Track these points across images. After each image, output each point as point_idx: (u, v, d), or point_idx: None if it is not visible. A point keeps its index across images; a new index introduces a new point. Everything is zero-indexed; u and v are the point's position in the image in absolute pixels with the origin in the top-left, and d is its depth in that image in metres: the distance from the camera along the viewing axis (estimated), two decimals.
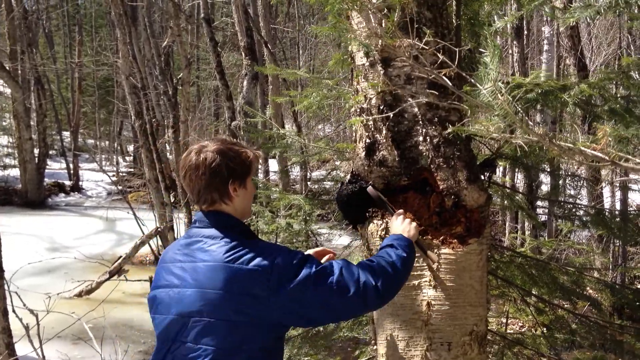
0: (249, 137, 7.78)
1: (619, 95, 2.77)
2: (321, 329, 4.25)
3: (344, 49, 3.05)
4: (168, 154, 18.65)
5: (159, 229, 12.17)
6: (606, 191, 9.71)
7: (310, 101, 3.63)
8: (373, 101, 2.52)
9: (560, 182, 3.78)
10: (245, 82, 10.23)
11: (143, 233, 12.14)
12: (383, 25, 2.31)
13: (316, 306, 1.93)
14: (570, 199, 3.80)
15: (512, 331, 6.44)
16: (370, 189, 2.51)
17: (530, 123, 1.63)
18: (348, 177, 2.65)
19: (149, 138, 12.60)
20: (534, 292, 3.91)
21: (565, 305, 4.08)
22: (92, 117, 29.31)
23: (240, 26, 10.31)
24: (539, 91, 2.57)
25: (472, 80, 1.75)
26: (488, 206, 2.58)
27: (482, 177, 2.79)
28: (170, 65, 17.13)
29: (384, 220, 2.56)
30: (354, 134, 2.71)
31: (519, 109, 1.64)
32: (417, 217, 2.48)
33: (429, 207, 2.49)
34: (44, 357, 5.15)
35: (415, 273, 2.44)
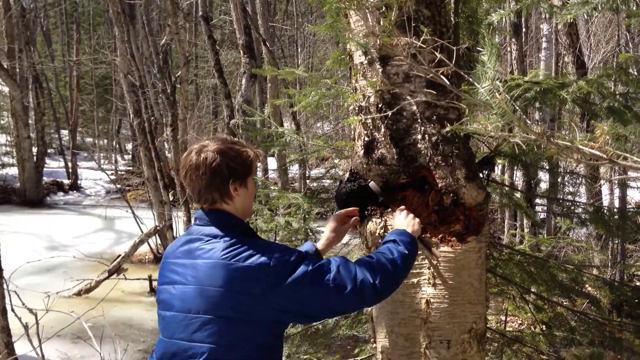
0: (247, 135, 7.78)
1: (617, 93, 2.77)
2: (320, 327, 4.25)
3: (342, 47, 3.05)
4: (167, 152, 18.67)
5: (157, 228, 12.18)
6: (605, 189, 9.72)
7: (309, 100, 3.63)
8: (372, 99, 2.51)
9: (559, 179, 3.78)
10: (243, 80, 10.21)
11: (142, 232, 12.15)
12: (381, 23, 2.31)
13: (313, 303, 1.94)
14: (569, 197, 3.80)
15: (511, 329, 6.44)
16: (372, 183, 2.50)
17: (529, 121, 1.63)
18: (347, 175, 2.65)
19: (148, 136, 12.59)
20: (533, 290, 3.92)
21: (564, 303, 4.08)
22: (90, 115, 29.28)
23: (239, 24, 10.29)
24: (538, 89, 2.57)
25: (470, 79, 1.75)
26: (487, 204, 2.58)
27: (481, 175, 2.79)
28: (168, 64, 17.12)
29: (383, 219, 2.56)
30: (352, 132, 2.71)
31: (517, 108, 1.64)
32: (416, 215, 2.47)
33: (427, 205, 2.49)
34: (43, 356, 5.15)
35: (415, 271, 2.44)
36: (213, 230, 2.00)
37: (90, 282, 10.49)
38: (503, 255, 3.75)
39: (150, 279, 10.86)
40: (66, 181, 22.73)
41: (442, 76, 1.93)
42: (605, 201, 9.48)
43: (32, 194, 19.59)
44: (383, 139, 2.51)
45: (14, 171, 20.81)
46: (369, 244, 2.64)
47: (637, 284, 8.62)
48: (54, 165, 24.79)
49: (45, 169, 21.02)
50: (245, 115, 7.35)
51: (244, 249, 1.92)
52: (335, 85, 3.63)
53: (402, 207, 2.43)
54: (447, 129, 2.12)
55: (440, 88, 2.36)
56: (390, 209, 2.51)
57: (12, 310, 5.53)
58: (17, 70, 19.02)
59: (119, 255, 11.27)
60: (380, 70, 2.46)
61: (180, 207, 12.81)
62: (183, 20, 17.70)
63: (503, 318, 6.33)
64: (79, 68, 24.35)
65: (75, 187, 22.45)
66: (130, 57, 13.15)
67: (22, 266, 6.67)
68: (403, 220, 2.34)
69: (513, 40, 10.04)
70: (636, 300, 4.00)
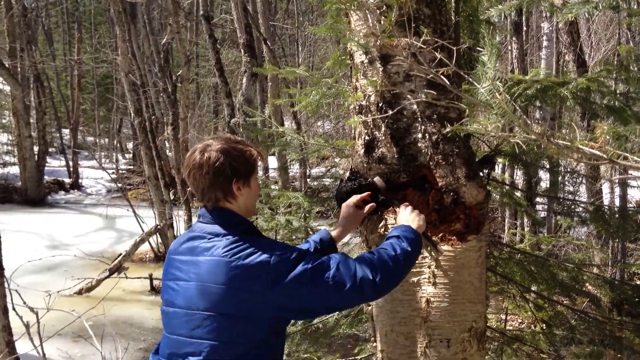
0: (248, 134, 7.78)
1: (618, 92, 2.77)
2: (320, 325, 4.25)
3: (343, 48, 3.05)
4: (167, 151, 18.64)
5: (158, 227, 12.19)
6: (605, 187, 9.71)
7: (310, 100, 3.63)
8: (372, 98, 2.51)
9: (560, 178, 3.78)
10: (244, 79, 10.22)
11: (143, 230, 12.16)
12: (381, 22, 2.31)
13: (313, 301, 1.95)
14: (570, 196, 3.80)
15: (511, 327, 6.45)
16: (377, 178, 2.50)
17: (529, 121, 1.63)
18: (347, 174, 2.65)
19: (149, 135, 12.60)
20: (533, 289, 3.92)
21: (565, 302, 4.08)
22: (91, 114, 29.31)
23: (240, 23, 10.30)
24: (538, 87, 2.57)
25: (471, 79, 1.75)
26: (487, 203, 2.58)
27: (481, 174, 2.80)
28: (169, 63, 17.10)
29: (384, 217, 2.57)
30: (353, 131, 2.71)
31: (517, 107, 1.64)
32: None
33: (427, 204, 2.49)
34: (44, 354, 5.16)
35: (415, 270, 2.45)
36: (216, 228, 2.01)
37: (91, 281, 10.50)
38: (503, 254, 3.75)
39: (151, 278, 10.88)
40: (67, 180, 22.75)
41: (442, 76, 1.93)
42: (606, 200, 9.48)
43: (33, 193, 19.61)
44: (383, 137, 2.51)
45: (15, 170, 20.83)
46: (369, 243, 2.65)
47: (638, 282, 8.62)
48: (55, 164, 24.82)
49: (46, 168, 21.05)
50: (246, 115, 7.35)
51: (245, 247, 1.93)
52: (336, 84, 3.63)
53: (406, 203, 2.42)
54: (448, 129, 2.11)
55: (440, 87, 2.36)
56: (391, 207, 2.52)
57: (13, 309, 5.54)
58: (19, 69, 19.06)
59: (120, 254, 11.28)
60: (380, 69, 2.46)
61: (181, 206, 12.82)
62: (184, 19, 17.70)
63: (503, 317, 6.34)
64: (80, 67, 24.36)
65: (76, 186, 22.48)
66: (132, 56, 13.16)
67: (23, 265, 6.68)
68: (408, 216, 2.33)
69: (514, 38, 10.03)
70: (636, 299, 4.00)
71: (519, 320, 7.67)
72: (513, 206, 4.13)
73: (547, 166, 3.63)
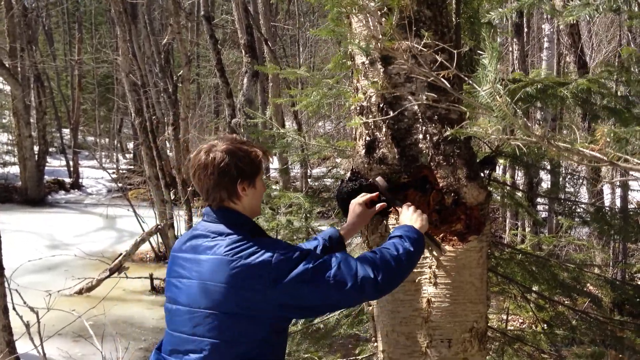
0: (249, 135, 7.79)
1: (618, 93, 2.77)
2: (321, 325, 4.26)
3: (344, 51, 3.05)
4: (168, 151, 18.66)
5: (159, 227, 12.19)
6: (606, 188, 9.72)
7: (310, 100, 3.63)
8: (373, 99, 2.52)
9: (560, 179, 3.78)
10: (245, 80, 10.23)
11: (143, 230, 12.16)
12: (383, 24, 2.31)
13: (314, 300, 1.96)
14: (571, 197, 3.81)
15: (512, 328, 6.45)
16: (379, 178, 2.50)
17: (529, 124, 1.63)
18: (348, 174, 2.65)
19: (149, 135, 12.60)
20: (534, 289, 3.92)
21: (566, 302, 4.08)
22: (92, 114, 29.31)
23: (240, 24, 10.31)
24: (538, 87, 2.57)
25: (471, 82, 1.76)
26: (488, 204, 2.58)
27: (482, 175, 2.80)
28: (170, 63, 17.13)
29: (384, 218, 2.57)
30: (354, 132, 2.72)
31: (518, 110, 1.65)
32: None
33: (428, 205, 2.49)
34: (44, 354, 5.16)
35: (416, 270, 2.44)
36: (220, 227, 2.02)
37: (91, 281, 10.50)
38: (504, 254, 3.76)
39: (151, 278, 10.88)
40: (67, 180, 22.76)
41: (443, 79, 1.93)
42: (607, 200, 9.48)
43: (33, 193, 19.61)
44: (384, 138, 2.51)
45: (15, 170, 20.84)
46: (370, 243, 2.65)
47: (639, 282, 8.62)
48: (56, 164, 24.82)
49: (46, 168, 21.05)
50: (247, 116, 7.36)
51: (248, 246, 1.93)
52: (337, 85, 3.63)
53: (409, 203, 2.43)
54: (449, 132, 2.12)
55: (441, 89, 2.36)
56: (392, 208, 2.52)
57: (14, 308, 5.55)
58: (19, 69, 19.07)
59: (120, 254, 11.28)
60: (381, 70, 2.46)
61: (182, 206, 12.82)
62: (185, 20, 17.72)
63: (504, 317, 6.34)
64: (81, 67, 24.38)
65: (76, 185, 22.48)
66: (132, 57, 13.17)
67: (23, 264, 6.69)
68: (410, 216, 2.33)
69: (515, 40, 10.03)
70: (637, 299, 4.00)
71: (520, 321, 7.68)
72: (514, 207, 4.14)
73: (548, 167, 3.63)
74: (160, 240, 12.86)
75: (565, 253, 8.51)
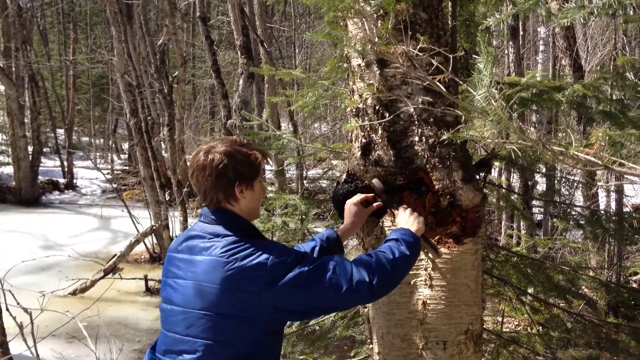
0: (244, 137, 7.77)
1: (613, 97, 2.78)
2: (317, 327, 4.25)
3: (340, 54, 3.05)
4: (163, 152, 18.65)
5: (154, 227, 12.15)
6: (601, 191, 9.74)
7: (306, 101, 3.63)
8: (369, 101, 2.52)
9: (556, 182, 3.79)
10: (241, 81, 10.22)
11: (138, 231, 12.11)
12: (379, 27, 2.31)
13: (308, 303, 1.96)
14: (566, 200, 3.82)
15: (507, 330, 6.46)
16: (376, 180, 2.50)
17: (524, 127, 1.64)
18: (344, 176, 2.65)
19: (144, 136, 12.56)
20: (529, 291, 3.93)
21: (561, 304, 4.09)
22: (86, 114, 29.25)
23: (236, 25, 10.30)
24: (533, 91, 2.58)
25: (467, 86, 1.76)
26: (483, 206, 2.59)
27: (478, 177, 2.80)
28: (165, 64, 17.12)
29: (379, 220, 2.57)
30: (349, 134, 2.72)
31: (513, 114, 1.65)
32: None
33: (424, 207, 2.50)
34: (38, 355, 5.14)
35: (411, 272, 2.44)
36: (217, 229, 2.02)
37: (85, 282, 10.46)
38: (499, 256, 3.76)
39: (146, 279, 10.85)
40: (62, 180, 22.66)
41: (438, 82, 1.93)
42: (602, 204, 9.51)
43: (27, 193, 19.53)
44: (380, 140, 2.52)
45: (9, 170, 20.74)
46: (365, 246, 2.65)
47: (634, 285, 8.65)
48: (50, 165, 24.72)
49: (40, 168, 20.95)
50: (243, 118, 7.35)
51: (243, 248, 1.93)
52: (333, 86, 3.63)
53: (405, 205, 2.43)
54: (445, 136, 2.12)
55: (437, 92, 2.36)
56: (388, 210, 2.52)
57: (7, 309, 5.51)
58: (13, 69, 18.98)
59: (115, 255, 11.23)
60: (377, 72, 2.46)
61: (177, 207, 12.79)
62: (180, 21, 17.70)
63: (499, 319, 6.36)
64: (76, 67, 24.29)
65: (71, 186, 22.39)
66: (127, 57, 13.13)
67: (17, 265, 6.66)
68: (407, 219, 2.33)
69: (510, 43, 10.05)
70: (632, 302, 4.02)
71: (515, 323, 7.69)
72: (509, 209, 4.15)
73: (544, 170, 3.64)
74: (155, 241, 12.82)
75: (560, 255, 8.53)
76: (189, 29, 21.82)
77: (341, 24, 2.63)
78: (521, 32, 11.23)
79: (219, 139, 2.10)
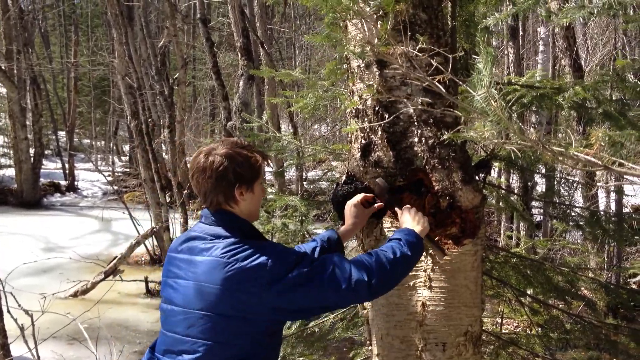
0: (245, 138, 7.76)
1: (613, 97, 2.79)
2: (317, 329, 4.25)
3: (339, 57, 3.05)
4: (164, 154, 18.65)
5: (154, 229, 12.15)
6: (601, 192, 9.73)
7: (306, 102, 3.64)
8: (368, 102, 2.52)
9: (555, 183, 3.79)
10: (241, 83, 10.23)
11: (139, 233, 12.12)
12: (378, 28, 2.31)
13: (308, 302, 1.96)
14: (565, 200, 3.81)
15: (506, 331, 6.45)
16: (380, 179, 2.50)
17: (524, 128, 1.64)
18: (343, 177, 2.65)
19: (145, 138, 12.57)
20: (528, 293, 3.92)
21: (560, 306, 4.09)
22: (88, 117, 29.27)
23: (237, 26, 10.31)
24: (534, 94, 2.58)
25: (466, 86, 1.76)
26: (483, 207, 2.59)
27: (477, 178, 2.80)
28: (166, 65, 17.13)
29: (379, 221, 2.57)
30: (349, 135, 2.72)
31: (513, 115, 1.65)
32: None
33: (424, 208, 2.49)
34: (39, 357, 5.14)
35: (411, 273, 2.44)
36: (217, 230, 2.02)
37: (86, 284, 10.46)
38: (499, 257, 3.76)
39: (146, 281, 10.85)
40: (63, 182, 22.68)
41: (438, 83, 1.93)
42: (602, 204, 9.50)
43: (29, 195, 19.54)
44: (380, 141, 2.52)
45: (11, 172, 20.75)
46: (365, 247, 2.65)
47: (633, 286, 8.63)
48: (51, 167, 24.75)
49: (42, 171, 20.97)
50: (243, 119, 7.35)
51: (243, 249, 1.94)
52: (332, 87, 3.63)
53: (408, 205, 2.43)
54: (445, 136, 2.12)
55: (437, 93, 2.36)
56: (388, 211, 2.52)
57: (8, 311, 5.51)
58: (15, 71, 18.99)
59: (116, 257, 11.23)
60: (377, 73, 2.46)
61: (177, 209, 12.80)
62: (181, 23, 17.71)
63: (499, 320, 6.35)
64: (77, 70, 24.31)
65: (72, 188, 22.41)
66: (128, 59, 13.15)
67: (18, 267, 6.66)
68: (411, 219, 2.33)
69: (510, 43, 10.05)
70: (632, 303, 4.01)
71: (515, 324, 7.68)
72: (509, 210, 4.15)
73: (543, 171, 3.64)
74: (155, 243, 12.83)
75: (559, 256, 8.52)
76: (190, 31, 21.84)
77: (341, 25, 2.63)
78: (521, 33, 11.23)
79: (219, 141, 2.10)
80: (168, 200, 13.22)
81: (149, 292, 10.82)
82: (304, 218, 4.02)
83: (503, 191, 4.13)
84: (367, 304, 2.74)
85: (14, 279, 6.17)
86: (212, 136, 23.10)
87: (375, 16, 2.36)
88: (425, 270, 2.48)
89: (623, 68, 2.73)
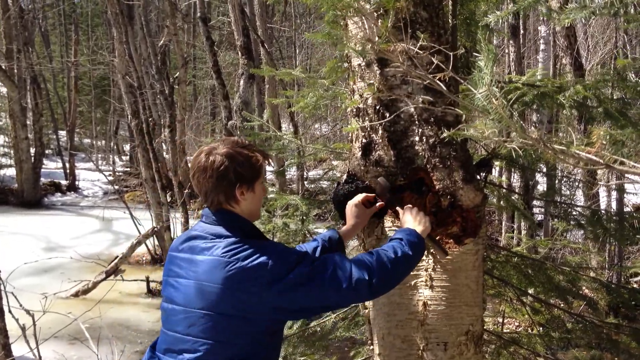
0: (245, 138, 7.77)
1: (614, 97, 2.78)
2: (318, 328, 4.25)
3: (339, 55, 3.05)
4: (165, 153, 18.66)
5: (155, 229, 12.16)
6: (602, 191, 9.73)
7: (307, 102, 3.63)
8: (369, 101, 2.52)
9: (557, 182, 3.78)
10: (241, 82, 10.22)
11: (139, 233, 12.12)
12: (378, 27, 2.31)
13: (308, 302, 1.96)
14: (567, 199, 3.81)
15: (508, 331, 6.45)
16: (381, 179, 2.49)
17: (525, 126, 1.63)
18: (344, 177, 2.65)
19: (146, 137, 12.57)
20: (530, 292, 3.92)
21: (561, 305, 4.09)
22: (88, 116, 29.27)
23: (237, 25, 10.30)
24: (535, 93, 2.57)
25: (467, 84, 1.75)
26: (484, 206, 2.58)
27: (478, 177, 2.80)
28: (166, 65, 17.13)
29: (380, 220, 2.57)
30: (350, 134, 2.71)
31: (514, 113, 1.64)
32: None
33: (425, 207, 2.49)
34: (40, 357, 5.14)
35: (412, 273, 2.44)
36: (218, 229, 2.02)
37: (87, 283, 10.47)
38: (500, 257, 3.76)
39: (147, 280, 10.86)
40: (64, 182, 22.69)
41: (439, 81, 1.93)
42: (603, 203, 9.49)
43: (29, 195, 19.55)
44: (381, 140, 2.51)
45: (11, 172, 20.75)
46: (366, 247, 2.65)
47: (634, 286, 8.63)
48: (52, 166, 24.75)
49: (42, 170, 20.98)
50: (244, 118, 7.35)
51: (244, 248, 1.93)
52: (333, 86, 3.63)
53: (410, 205, 2.42)
54: (445, 134, 2.12)
55: (438, 91, 2.36)
56: (389, 210, 2.52)
57: (9, 311, 5.52)
58: (15, 71, 19.00)
59: (117, 257, 11.24)
60: (378, 72, 2.46)
61: (178, 208, 12.80)
62: (181, 22, 17.71)
63: (500, 320, 6.35)
64: (77, 69, 24.31)
65: (72, 188, 22.42)
66: (129, 58, 13.14)
67: (19, 267, 6.66)
68: (412, 219, 2.32)
69: (511, 42, 10.05)
70: (633, 302, 4.00)
71: (516, 324, 7.68)
72: (510, 209, 4.14)
73: (544, 170, 3.64)
74: (156, 242, 12.83)
75: (561, 256, 8.52)
76: (190, 30, 21.84)
77: (341, 23, 2.62)
78: (522, 31, 11.23)
79: (220, 140, 2.09)
80: (169, 199, 13.23)
81: (150, 292, 10.83)
82: (304, 217, 4.01)
83: (504, 190, 4.13)
84: (369, 304, 2.73)
85: (15, 278, 6.17)
86: (213, 135, 23.10)
87: (375, 14, 2.36)
88: (426, 270, 2.48)
89: (624, 67, 2.73)
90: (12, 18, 18.20)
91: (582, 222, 3.52)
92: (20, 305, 5.40)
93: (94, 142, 29.62)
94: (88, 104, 28.45)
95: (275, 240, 4.17)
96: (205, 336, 1.93)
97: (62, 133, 26.87)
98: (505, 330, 5.94)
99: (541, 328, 4.18)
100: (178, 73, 17.40)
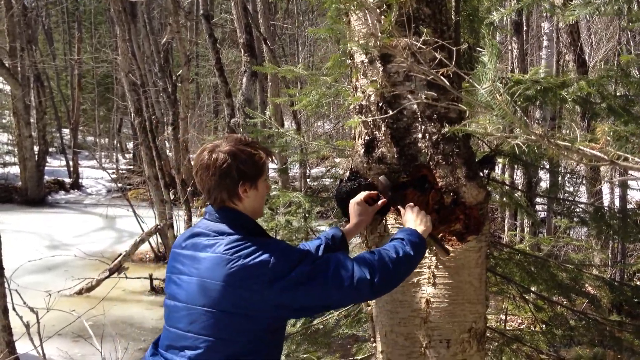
0: (248, 135, 7.76)
1: (618, 94, 2.77)
2: (320, 326, 4.25)
3: (343, 50, 3.04)
4: (168, 151, 18.65)
5: (158, 227, 12.18)
6: (605, 188, 9.70)
7: (310, 99, 3.62)
8: (372, 98, 2.51)
9: (560, 179, 3.77)
10: (244, 79, 10.22)
11: (143, 230, 12.15)
12: (382, 22, 2.31)
13: (309, 300, 1.96)
14: (570, 196, 3.80)
15: (510, 328, 6.44)
16: (383, 177, 2.49)
17: (529, 122, 1.63)
18: (347, 174, 2.65)
19: (149, 135, 12.58)
20: (532, 289, 3.92)
21: (564, 302, 4.08)
22: (91, 114, 29.30)
23: (240, 23, 10.29)
24: (538, 88, 2.57)
25: (471, 80, 1.75)
26: (487, 203, 2.58)
27: (481, 174, 2.79)
28: (169, 62, 17.11)
29: (383, 217, 2.56)
30: (353, 131, 2.71)
31: (518, 108, 1.64)
32: None
33: (427, 204, 2.49)
34: (44, 354, 5.16)
35: (415, 270, 2.43)
36: (221, 227, 2.02)
37: (91, 281, 10.49)
38: (503, 254, 3.75)
39: (151, 278, 10.88)
40: (67, 180, 22.74)
41: (442, 77, 1.92)
42: (606, 200, 9.47)
43: (33, 193, 19.60)
44: (383, 137, 2.51)
45: (15, 170, 20.82)
46: (369, 244, 2.65)
47: (638, 283, 8.61)
48: (56, 164, 24.81)
49: (46, 168, 21.02)
50: (247, 115, 7.35)
51: (246, 246, 1.94)
52: (336, 83, 3.62)
53: (412, 204, 2.42)
54: (446, 129, 2.11)
55: (441, 87, 2.35)
56: (392, 207, 2.51)
57: (14, 309, 5.54)
58: (19, 69, 19.04)
59: (120, 254, 11.26)
60: (380, 69, 2.45)
61: (181, 206, 12.81)
62: (184, 19, 17.71)
63: (503, 317, 6.34)
64: (81, 67, 24.36)
65: (76, 186, 22.47)
66: (132, 56, 13.15)
67: (23, 265, 6.69)
68: (414, 218, 2.32)
69: (514, 38, 10.02)
70: (636, 300, 4.00)
71: (519, 321, 7.66)
72: (513, 206, 4.13)
73: (547, 167, 3.63)
74: (159, 240, 12.85)
75: (564, 253, 8.50)
76: (193, 27, 21.81)
77: (344, 19, 2.62)
78: (525, 28, 11.19)
79: (223, 138, 2.09)
80: (172, 197, 13.25)
81: (154, 290, 10.85)
82: (307, 215, 4.01)
83: (507, 187, 4.12)
84: (372, 301, 2.73)
85: (18, 276, 6.20)
86: (216, 133, 23.11)
87: (378, 10, 2.35)
88: (429, 267, 2.47)
89: (627, 63, 2.72)
90: (15, 16, 18.22)
91: (586, 219, 3.52)
92: (24, 303, 5.42)
93: (97, 140, 29.67)
94: (91, 101, 28.48)
95: (278, 237, 4.17)
96: (207, 333, 1.93)
97: (66, 131, 26.92)
98: (508, 328, 5.93)
99: (544, 325, 4.18)
100: (181, 71, 17.40)
